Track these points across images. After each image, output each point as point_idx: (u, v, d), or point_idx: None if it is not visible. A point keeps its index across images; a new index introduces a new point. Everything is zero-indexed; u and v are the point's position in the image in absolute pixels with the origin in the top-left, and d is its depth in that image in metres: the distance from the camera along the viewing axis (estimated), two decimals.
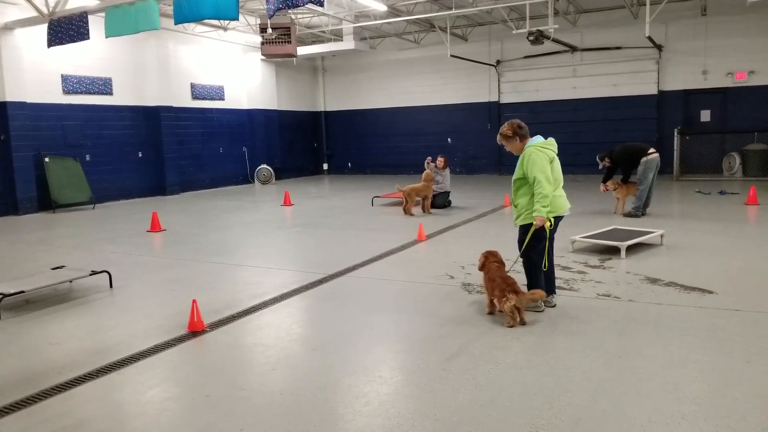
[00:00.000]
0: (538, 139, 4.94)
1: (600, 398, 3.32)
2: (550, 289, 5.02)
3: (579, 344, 4.15)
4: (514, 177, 4.91)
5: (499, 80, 19.30)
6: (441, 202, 11.56)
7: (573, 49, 17.49)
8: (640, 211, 9.59)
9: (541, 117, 18.70)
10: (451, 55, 17.02)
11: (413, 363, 3.96)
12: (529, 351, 4.06)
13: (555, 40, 15.59)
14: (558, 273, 6.11)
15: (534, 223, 4.69)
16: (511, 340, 4.27)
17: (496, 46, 19.04)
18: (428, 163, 11.53)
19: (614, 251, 6.95)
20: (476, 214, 10.82)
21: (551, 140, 4.95)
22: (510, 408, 3.24)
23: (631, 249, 6.95)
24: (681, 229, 8.43)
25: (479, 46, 19.16)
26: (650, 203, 9.86)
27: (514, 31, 15.03)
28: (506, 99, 19.32)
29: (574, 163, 18.20)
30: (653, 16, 12.89)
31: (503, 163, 19.49)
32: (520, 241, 4.95)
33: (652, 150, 9.63)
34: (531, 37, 14.48)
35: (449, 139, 20.39)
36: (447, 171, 11.63)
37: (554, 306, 4.94)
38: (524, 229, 4.88)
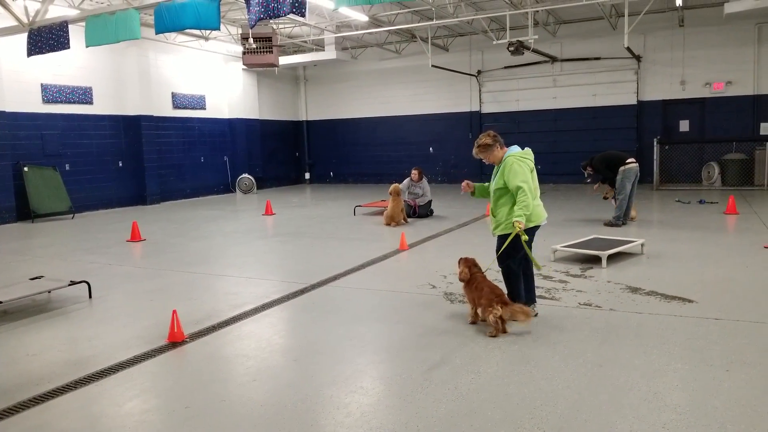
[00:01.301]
0: (516, 149, 4.98)
1: (581, 408, 3.34)
2: (531, 298, 5.06)
3: (560, 354, 4.17)
4: (495, 187, 4.91)
5: (480, 90, 19.48)
6: (423, 211, 11.63)
7: (553, 59, 17.74)
8: (620, 221, 9.71)
9: (522, 127, 18.92)
10: (433, 65, 17.16)
11: (395, 373, 3.95)
12: (510, 361, 4.08)
13: (535, 51, 15.82)
14: (539, 282, 6.15)
15: (517, 226, 4.64)
16: (493, 349, 4.29)
17: (477, 56, 19.24)
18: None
19: (595, 260, 7.03)
20: (458, 223, 10.87)
21: (528, 150, 5.00)
22: (492, 418, 3.25)
23: (612, 258, 7.02)
24: (661, 238, 8.55)
25: (460, 56, 19.34)
26: (630, 212, 9.99)
27: (494, 42, 15.22)
28: (487, 109, 19.51)
29: (554, 173, 18.47)
30: (632, 27, 13.15)
31: (485, 173, 19.60)
32: (499, 253, 4.97)
33: (630, 159, 9.78)
34: (511, 48, 14.67)
35: (431, 149, 20.50)
36: (424, 181, 11.69)
37: (536, 315, 4.98)
38: (503, 239, 4.91)
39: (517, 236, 4.69)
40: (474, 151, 5.05)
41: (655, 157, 15.79)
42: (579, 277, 6.40)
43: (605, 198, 10.43)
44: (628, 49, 14.43)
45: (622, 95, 17.54)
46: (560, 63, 18.06)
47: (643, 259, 7.21)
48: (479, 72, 19.30)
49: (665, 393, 3.49)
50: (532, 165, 4.91)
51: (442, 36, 18.93)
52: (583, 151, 17.16)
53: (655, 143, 15.82)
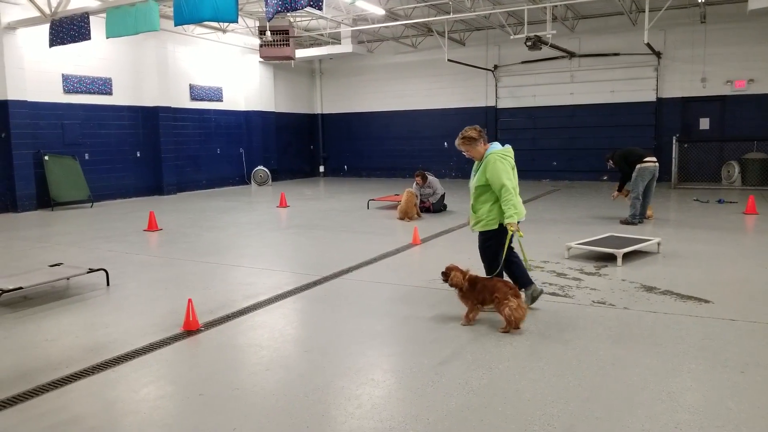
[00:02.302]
0: (497, 146, 4.97)
1: (593, 406, 3.33)
2: (525, 282, 5.09)
3: (573, 351, 4.16)
4: (476, 184, 4.93)
5: (496, 85, 19.37)
6: (437, 207, 11.63)
7: (571, 54, 17.57)
8: (636, 219, 9.62)
9: (538, 122, 18.80)
10: (449, 60, 17.08)
11: (406, 366, 3.97)
12: (522, 357, 4.08)
13: (553, 46, 15.68)
14: (553, 279, 6.19)
15: (510, 229, 4.77)
16: (505, 345, 4.29)
17: (494, 50, 19.12)
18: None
19: (610, 258, 6.98)
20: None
21: (509, 147, 5.01)
22: (502, 414, 3.26)
23: (627, 256, 6.96)
24: (678, 237, 8.46)
25: (477, 50, 19.24)
26: (646, 211, 9.89)
27: (512, 37, 15.10)
28: (503, 104, 19.40)
29: (570, 169, 18.35)
30: (652, 23, 12.97)
31: None
32: (483, 248, 5.07)
33: (649, 158, 9.65)
34: (529, 43, 14.55)
35: (445, 143, 20.44)
36: (431, 180, 11.67)
37: (542, 292, 5.13)
38: (484, 236, 4.99)
39: (505, 233, 4.81)
40: (457, 142, 5.03)
41: (674, 155, 15.60)
42: (593, 275, 6.37)
43: (625, 196, 10.32)
44: (648, 45, 14.25)
45: (641, 92, 17.33)
46: (578, 58, 17.89)
47: (658, 258, 7.14)
48: (496, 67, 19.18)
49: (679, 393, 3.47)
50: (513, 163, 4.94)
51: (459, 30, 18.83)
52: (600, 148, 17.03)
53: (674, 141, 15.63)
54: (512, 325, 4.51)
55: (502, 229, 4.90)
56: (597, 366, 3.89)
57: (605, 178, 17.23)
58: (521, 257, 5.09)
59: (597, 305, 5.28)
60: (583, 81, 18.06)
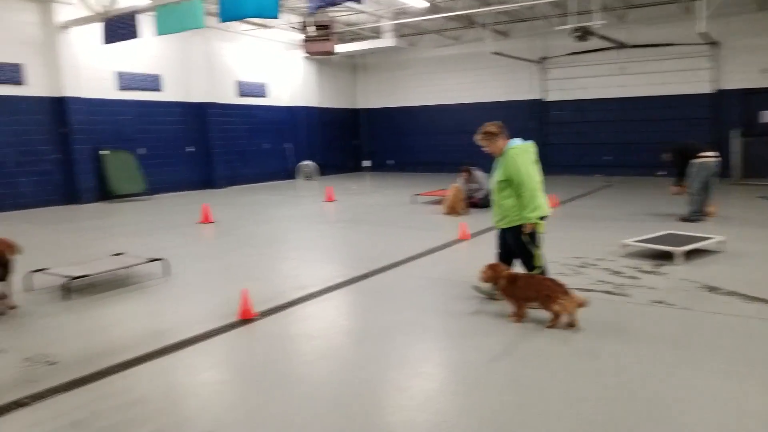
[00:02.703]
0: (517, 141, 4.97)
1: (652, 409, 3.24)
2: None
3: (630, 352, 4.03)
4: (497, 179, 4.94)
5: (543, 77, 19.01)
6: (485, 202, 11.52)
7: (621, 45, 17.08)
8: (696, 216, 9.27)
9: (587, 115, 18.37)
10: (492, 52, 16.83)
11: (456, 361, 3.98)
12: (576, 356, 4.00)
13: (601, 37, 15.26)
14: (608, 277, 6.05)
15: (523, 231, 4.80)
16: (559, 344, 4.22)
17: (540, 42, 18.73)
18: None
19: (669, 257, 6.72)
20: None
21: (531, 143, 5.00)
22: (555, 413, 3.21)
23: (687, 255, 6.69)
24: (742, 236, 8.02)
25: (521, 42, 18.89)
26: (708, 208, 9.49)
27: (557, 28, 14.74)
28: (551, 97, 19.03)
29: (621, 164, 17.86)
30: (709, 12, 12.45)
31: (548, 163, 19.16)
32: (516, 244, 4.99)
33: (708, 153, 9.26)
34: (576, 34, 14.18)
35: None
36: (477, 175, 11.58)
37: None
38: (515, 232, 4.93)
39: (524, 230, 4.85)
40: (477, 137, 5.04)
41: (735, 149, 14.91)
42: (651, 274, 6.17)
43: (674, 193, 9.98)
44: (704, 34, 13.71)
45: (696, 83, 16.67)
46: (628, 49, 17.35)
47: (721, 258, 6.81)
48: (542, 59, 18.83)
49: (744, 399, 3.32)
50: (534, 157, 4.92)
51: (503, 22, 18.50)
52: (652, 142, 16.54)
53: (734, 135, 14.91)
54: (560, 319, 4.45)
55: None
56: (656, 368, 3.77)
57: (661, 173, 16.69)
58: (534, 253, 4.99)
59: (656, 305, 5.12)
60: (634, 73, 17.50)
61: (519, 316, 4.67)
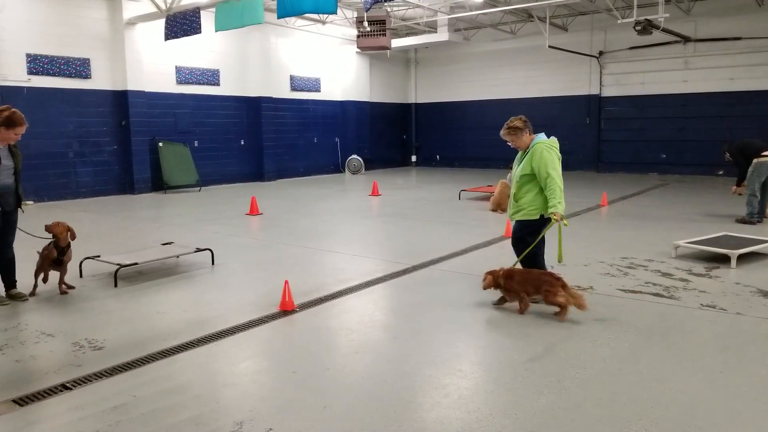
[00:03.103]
0: (543, 136, 4.99)
1: (696, 415, 3.12)
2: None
3: (676, 356, 3.91)
4: (520, 173, 4.94)
5: (600, 72, 18.43)
6: None
7: (685, 39, 16.35)
8: (755, 218, 8.83)
9: (646, 112, 17.72)
10: (550, 46, 16.45)
11: (495, 360, 3.92)
12: (620, 358, 3.89)
13: (665, 30, 14.65)
14: (657, 279, 5.86)
15: (553, 218, 4.77)
16: (601, 345, 4.11)
17: (599, 36, 18.18)
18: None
19: (723, 260, 6.46)
20: (569, 212, 10.43)
21: (555, 139, 5.00)
22: (596, 415, 3.13)
23: (742, 258, 6.42)
24: None
25: (580, 36, 18.37)
26: (765, 209, 9.04)
27: (619, 21, 14.27)
28: (608, 92, 18.44)
29: (681, 162, 17.15)
30: None
31: (602, 160, 18.66)
32: (517, 237, 5.08)
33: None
34: (638, 27, 13.69)
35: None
36: None
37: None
38: (522, 225, 5.00)
39: (544, 225, 4.89)
40: (502, 132, 5.09)
41: None
42: (703, 277, 5.93)
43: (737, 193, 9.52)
44: None
45: (765, 79, 15.80)
46: (693, 43, 16.60)
47: None
48: (601, 53, 18.25)
49: None
50: (559, 154, 4.94)
51: (562, 15, 18.07)
52: (714, 140, 15.76)
53: None
54: (567, 310, 4.56)
55: (542, 221, 4.92)
56: (702, 373, 3.64)
57: (721, 172, 15.93)
58: (557, 249, 4.96)
59: (706, 309, 4.92)
60: (699, 68, 16.74)
61: (522, 309, 4.77)
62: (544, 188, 4.79)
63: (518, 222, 5.06)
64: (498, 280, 4.84)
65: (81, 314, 4.98)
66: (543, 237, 5.00)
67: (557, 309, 4.65)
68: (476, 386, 3.53)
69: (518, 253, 5.11)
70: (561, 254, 4.93)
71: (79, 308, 5.14)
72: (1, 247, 5.25)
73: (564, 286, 4.58)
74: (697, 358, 3.87)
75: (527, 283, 4.72)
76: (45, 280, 5.57)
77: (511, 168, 11.26)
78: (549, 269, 5.11)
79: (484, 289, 4.96)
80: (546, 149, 4.82)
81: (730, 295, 5.28)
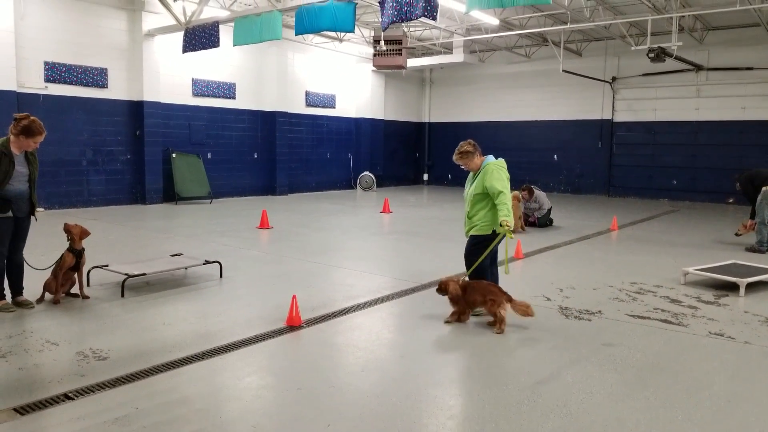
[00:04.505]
0: (492, 158, 5.39)
1: None
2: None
3: (683, 383, 3.88)
4: (473, 192, 5.28)
5: (613, 97, 18.47)
6: (543, 221, 11.31)
7: (698, 68, 16.38)
8: (764, 247, 8.79)
9: (658, 138, 17.70)
10: (564, 70, 16.54)
11: (501, 382, 3.89)
12: (627, 384, 3.86)
13: (678, 58, 14.71)
14: (666, 305, 5.81)
15: (505, 227, 5.01)
16: (608, 371, 4.08)
17: (613, 61, 18.26)
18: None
19: (732, 288, 6.42)
20: (579, 235, 10.41)
21: (503, 160, 5.38)
22: None
23: (751, 287, 6.38)
24: None
25: (594, 61, 18.47)
26: None
27: (633, 48, 14.35)
28: (620, 117, 18.46)
29: (691, 189, 17.07)
30: None
31: (613, 184, 18.60)
32: (470, 250, 5.34)
33: None
34: (651, 54, 13.78)
35: (555, 156, 19.79)
36: (537, 195, 11.32)
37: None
38: (475, 239, 5.30)
39: (502, 223, 5.09)
40: (455, 157, 5.45)
41: None
42: (711, 305, 5.88)
43: (737, 234, 9.58)
44: None
45: None
46: (706, 72, 16.63)
47: None
48: (614, 78, 18.31)
49: None
50: (508, 174, 5.30)
51: (576, 40, 18.20)
52: (726, 168, 15.76)
53: None
54: (504, 324, 4.83)
55: (494, 235, 5.23)
56: (710, 401, 3.60)
57: (731, 200, 15.82)
58: (503, 258, 5.32)
59: (714, 337, 4.88)
60: (711, 96, 16.75)
61: (459, 318, 5.08)
62: (496, 203, 5.10)
63: (472, 236, 5.37)
64: (458, 292, 5.02)
65: (86, 323, 5.00)
66: (493, 253, 5.33)
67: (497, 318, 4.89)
68: (482, 408, 3.50)
69: (469, 266, 5.35)
70: (507, 267, 5.34)
71: (85, 317, 5.16)
72: (12, 253, 5.26)
73: (510, 300, 4.88)
74: (704, 386, 3.83)
75: (476, 292, 4.98)
76: (65, 292, 5.59)
77: (524, 191, 11.28)
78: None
79: (442, 292, 5.14)
80: (496, 169, 5.20)
81: (739, 324, 5.24)
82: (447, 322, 5.12)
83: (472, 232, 5.37)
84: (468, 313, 5.15)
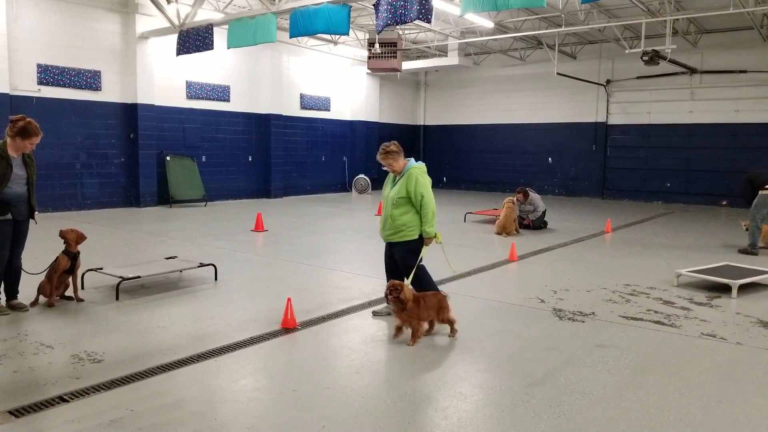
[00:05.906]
0: (414, 162, 5.28)
1: None
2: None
3: (675, 384, 3.91)
4: (396, 196, 5.16)
5: (608, 100, 18.57)
6: (537, 224, 11.35)
7: (692, 71, 16.49)
8: (756, 249, 8.85)
9: (652, 141, 17.79)
10: (558, 73, 16.62)
11: (495, 383, 3.91)
12: (619, 385, 3.88)
13: (672, 61, 14.81)
14: (659, 307, 5.86)
15: (435, 239, 5.13)
16: (601, 372, 4.11)
17: (607, 64, 18.36)
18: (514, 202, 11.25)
19: (724, 289, 6.47)
20: (573, 238, 10.45)
21: (423, 164, 5.29)
22: None
23: (744, 288, 6.43)
24: None
25: (588, 64, 18.56)
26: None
27: (627, 51, 14.44)
28: (614, 120, 18.55)
29: (686, 192, 17.16)
30: None
31: (607, 187, 18.69)
32: (402, 257, 5.20)
33: None
34: (645, 57, 13.86)
35: (550, 159, 19.87)
36: (532, 197, 11.35)
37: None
38: (404, 246, 5.18)
39: (426, 242, 5.18)
40: (379, 156, 5.33)
41: None
42: (704, 306, 5.93)
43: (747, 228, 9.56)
44: None
45: None
46: (699, 75, 16.74)
47: None
48: (608, 81, 18.40)
49: None
50: (429, 178, 5.27)
51: (570, 43, 18.29)
52: (719, 170, 15.87)
53: None
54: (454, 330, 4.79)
55: (420, 240, 5.17)
56: (701, 401, 3.63)
57: (724, 203, 15.94)
58: (447, 262, 5.40)
59: (706, 338, 4.91)
60: (705, 99, 16.86)
61: (417, 338, 4.67)
62: (420, 210, 5.10)
63: (403, 242, 5.21)
64: (411, 298, 4.66)
65: (81, 326, 4.99)
66: (421, 257, 5.20)
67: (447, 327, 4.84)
68: (476, 409, 3.52)
69: (405, 271, 5.16)
70: (451, 265, 5.43)
71: (80, 320, 5.15)
72: (10, 257, 5.26)
73: (448, 304, 4.88)
74: (696, 387, 3.86)
75: (430, 308, 4.75)
76: (60, 295, 5.59)
77: (519, 194, 11.29)
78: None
79: (402, 299, 4.63)
80: (420, 174, 5.15)
81: (731, 325, 5.28)
82: (412, 344, 4.63)
83: (395, 239, 5.22)
84: (422, 330, 4.75)
